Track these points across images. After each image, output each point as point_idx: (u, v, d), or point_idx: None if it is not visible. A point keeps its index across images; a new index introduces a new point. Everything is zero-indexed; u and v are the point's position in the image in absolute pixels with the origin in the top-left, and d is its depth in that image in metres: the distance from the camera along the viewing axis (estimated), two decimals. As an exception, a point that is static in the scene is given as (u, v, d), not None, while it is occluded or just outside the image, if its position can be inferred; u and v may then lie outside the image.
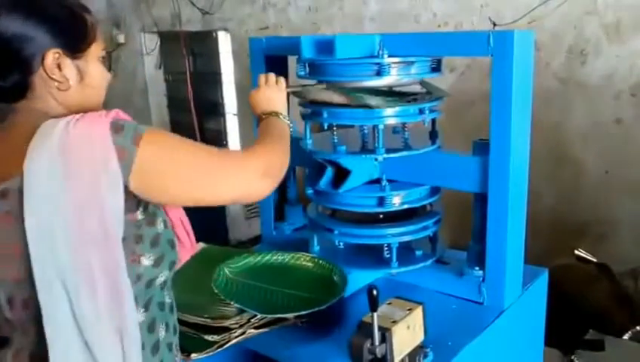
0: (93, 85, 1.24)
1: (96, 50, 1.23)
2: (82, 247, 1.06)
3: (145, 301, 1.20)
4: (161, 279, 1.20)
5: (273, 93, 1.64)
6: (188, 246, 1.33)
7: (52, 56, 1.15)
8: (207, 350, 1.51)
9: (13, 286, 1.10)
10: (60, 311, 1.07)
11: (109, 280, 1.08)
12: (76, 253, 1.06)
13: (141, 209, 1.14)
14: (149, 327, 1.21)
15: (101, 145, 1.06)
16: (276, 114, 1.58)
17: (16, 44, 1.12)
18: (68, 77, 1.17)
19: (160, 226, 1.19)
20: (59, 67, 1.16)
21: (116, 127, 1.08)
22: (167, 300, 1.28)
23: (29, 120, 1.13)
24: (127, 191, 1.08)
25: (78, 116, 1.09)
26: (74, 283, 1.06)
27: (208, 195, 1.20)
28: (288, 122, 1.58)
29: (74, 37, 1.19)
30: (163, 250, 1.19)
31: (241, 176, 1.23)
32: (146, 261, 1.15)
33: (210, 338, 1.53)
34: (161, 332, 1.24)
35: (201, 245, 1.99)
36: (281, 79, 1.69)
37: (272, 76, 1.69)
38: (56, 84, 1.16)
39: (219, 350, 1.52)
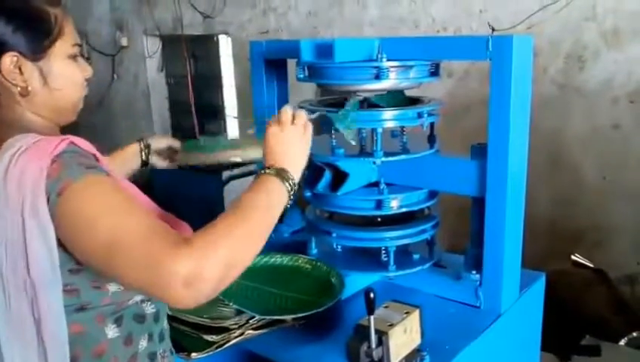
0: (61, 86, 1.12)
1: (62, 48, 1.11)
2: (13, 292, 1.02)
3: (115, 317, 1.13)
4: (137, 298, 1.15)
5: (297, 141, 1.29)
6: (185, 228, 1.20)
7: (9, 59, 1.05)
8: (207, 350, 1.51)
9: None
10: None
11: (36, 328, 1.03)
12: (7, 295, 1.02)
13: None
14: (125, 341, 1.15)
15: (32, 189, 0.97)
16: (283, 175, 1.21)
17: None
18: (28, 81, 1.08)
19: None
20: (20, 71, 1.07)
21: (53, 168, 0.98)
22: (150, 311, 1.21)
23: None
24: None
25: (23, 148, 1.00)
26: (5, 326, 1.04)
27: (117, 275, 1.00)
28: (292, 188, 1.22)
29: (33, 35, 1.07)
30: None
31: (154, 272, 0.94)
32: (113, 287, 1.09)
33: (209, 338, 1.54)
34: (142, 343, 1.19)
35: None
36: (310, 124, 1.35)
37: (302, 116, 1.33)
38: (18, 89, 1.07)
39: (218, 350, 1.52)
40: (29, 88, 1.08)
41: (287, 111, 1.32)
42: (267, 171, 1.22)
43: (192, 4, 5.51)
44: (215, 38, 5.82)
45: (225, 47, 5.79)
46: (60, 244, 1.01)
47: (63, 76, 1.12)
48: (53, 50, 1.10)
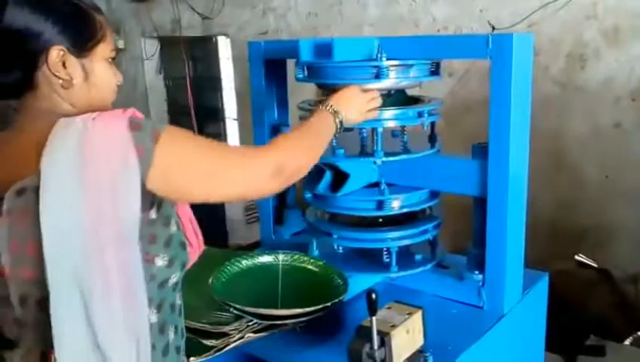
0: (99, 85, 1.21)
1: (103, 50, 1.21)
2: (98, 249, 1.05)
3: (158, 302, 1.18)
4: (173, 280, 1.20)
5: (360, 101, 1.64)
6: (196, 247, 1.31)
7: (56, 52, 1.12)
8: (206, 354, 1.50)
9: (28, 286, 1.09)
10: (72, 312, 1.06)
11: (124, 282, 1.07)
12: (92, 255, 1.05)
13: (155, 208, 1.12)
14: (161, 329, 1.20)
15: (120, 143, 1.06)
16: (335, 113, 1.55)
17: (21, 39, 1.09)
18: (72, 75, 1.15)
19: (173, 228, 1.18)
20: (63, 65, 1.13)
21: (134, 125, 1.07)
22: (178, 302, 1.26)
23: (37, 120, 1.13)
24: (143, 189, 1.08)
25: (95, 115, 1.08)
26: (88, 285, 1.05)
27: (218, 190, 1.21)
28: (338, 125, 1.55)
29: (80, 35, 1.16)
30: (175, 251, 1.18)
31: (249, 172, 1.24)
32: (160, 261, 1.15)
33: (209, 342, 1.52)
34: (171, 335, 1.23)
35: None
36: (379, 100, 1.70)
37: (375, 92, 1.70)
38: (60, 81, 1.14)
39: (217, 354, 1.51)
40: (74, 81, 1.15)
41: (362, 85, 1.68)
42: (321, 107, 1.56)
43: (191, 5, 5.50)
44: (214, 40, 5.81)
45: (224, 48, 5.78)
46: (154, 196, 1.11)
47: (101, 76, 1.21)
48: (96, 51, 1.19)
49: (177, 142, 1.14)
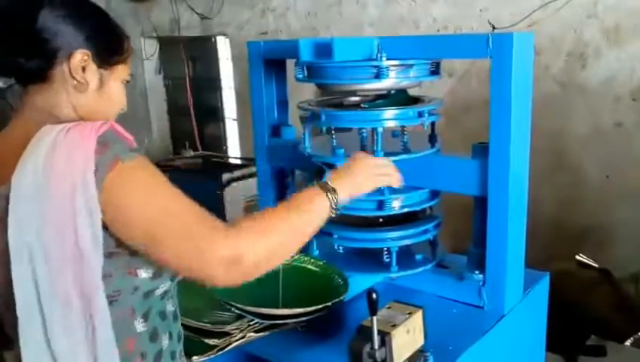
0: (109, 98, 1.22)
1: (122, 72, 1.24)
2: (59, 267, 1.04)
3: (144, 311, 1.18)
4: (161, 289, 1.19)
5: (369, 174, 1.43)
6: None
7: (81, 56, 1.15)
8: (209, 353, 1.50)
9: (5, 290, 1.09)
10: (32, 327, 1.06)
11: (83, 302, 1.06)
12: (53, 271, 1.04)
13: None
14: (151, 337, 1.20)
15: (81, 162, 1.02)
16: (334, 193, 1.30)
17: (51, 35, 1.12)
18: (89, 80, 1.17)
19: None
20: (83, 69, 1.16)
21: (100, 147, 1.04)
22: (170, 308, 1.25)
23: (30, 121, 1.13)
24: None
25: (69, 126, 1.07)
26: (49, 303, 1.05)
27: (157, 250, 1.07)
28: (335, 208, 1.29)
29: (107, 48, 1.20)
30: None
31: (198, 250, 1.05)
32: (144, 273, 1.14)
33: (211, 342, 1.52)
34: (165, 341, 1.23)
35: None
36: (394, 174, 1.52)
37: (392, 165, 1.53)
38: (75, 83, 1.16)
39: (220, 353, 1.51)
40: (89, 86, 1.17)
41: (384, 158, 1.56)
42: (319, 184, 1.32)
43: (190, 5, 5.49)
44: (213, 40, 5.81)
45: (223, 48, 5.77)
46: (103, 225, 1.05)
47: (114, 91, 1.23)
48: (117, 69, 1.22)
49: (131, 180, 1.06)
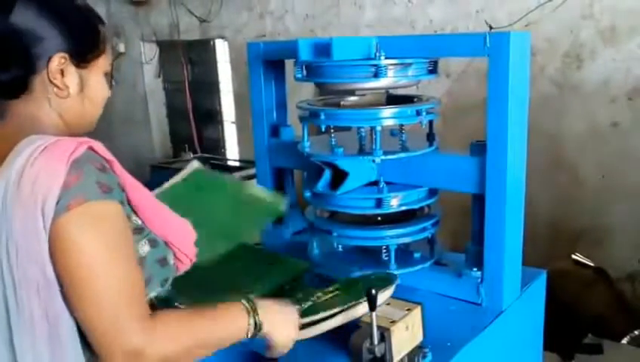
0: (92, 98, 1.18)
1: (102, 63, 1.19)
2: (25, 290, 1.01)
3: None
4: (150, 295, 1.16)
5: (290, 324, 1.35)
6: (185, 261, 1.25)
7: (58, 60, 1.10)
8: None
9: None
10: (3, 347, 1.05)
11: (48, 328, 1.03)
12: (19, 294, 1.01)
13: None
14: None
15: (46, 191, 0.98)
16: (251, 310, 1.23)
17: (25, 40, 1.07)
18: (69, 85, 1.13)
19: (144, 248, 1.14)
20: (62, 73, 1.11)
21: (69, 177, 0.99)
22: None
23: (15, 130, 1.08)
24: None
25: (46, 143, 1.02)
26: (17, 325, 1.03)
27: (78, 310, 1.03)
28: (252, 328, 1.23)
29: (84, 45, 1.14)
30: (150, 272, 1.14)
31: (108, 333, 1.01)
32: None
33: None
34: None
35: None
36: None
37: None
38: (55, 89, 1.12)
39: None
40: (70, 90, 1.13)
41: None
42: (244, 303, 1.24)
43: (189, 8, 5.51)
44: (212, 43, 5.82)
45: (222, 51, 5.79)
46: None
47: (96, 89, 1.19)
48: (97, 63, 1.18)
49: (83, 230, 1.00)
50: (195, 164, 1.62)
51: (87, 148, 1.04)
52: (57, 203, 0.98)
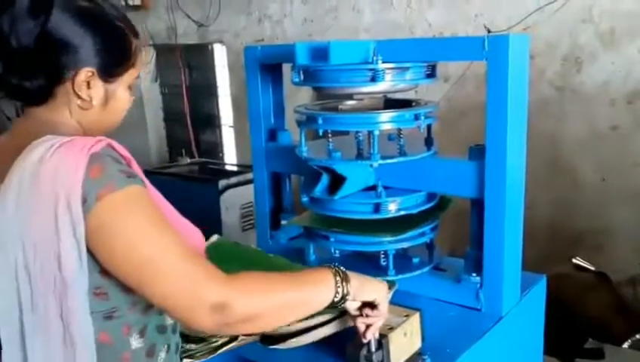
0: (115, 110, 1.18)
1: (130, 76, 1.18)
2: (41, 286, 1.01)
3: (140, 327, 1.14)
4: None
5: (379, 287, 1.34)
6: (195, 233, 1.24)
7: (85, 74, 1.09)
8: (201, 355, 1.48)
9: None
10: (14, 346, 1.04)
11: (63, 327, 1.02)
12: (34, 294, 1.01)
13: None
14: (148, 352, 1.16)
15: (69, 180, 0.97)
16: (342, 277, 1.24)
17: (58, 49, 1.06)
18: (93, 97, 1.12)
19: None
20: (88, 85, 1.10)
21: (95, 165, 0.99)
22: (169, 322, 1.22)
23: (32, 132, 1.07)
24: None
25: (62, 141, 1.01)
26: (30, 324, 1.02)
27: (147, 291, 1.03)
28: (342, 297, 1.23)
29: (114, 61, 1.14)
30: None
31: (191, 296, 1.01)
32: None
33: (201, 345, 1.50)
34: (162, 355, 1.20)
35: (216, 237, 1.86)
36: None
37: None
38: (79, 101, 1.11)
39: (210, 356, 1.49)
40: (93, 102, 1.12)
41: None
42: (335, 268, 1.25)
43: (186, 12, 5.51)
44: (210, 47, 5.82)
45: (220, 55, 5.78)
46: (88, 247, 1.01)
47: (120, 101, 1.18)
48: (123, 77, 1.17)
49: (120, 216, 1.00)
50: (214, 238, 1.65)
51: (106, 145, 1.04)
52: (83, 196, 0.97)
